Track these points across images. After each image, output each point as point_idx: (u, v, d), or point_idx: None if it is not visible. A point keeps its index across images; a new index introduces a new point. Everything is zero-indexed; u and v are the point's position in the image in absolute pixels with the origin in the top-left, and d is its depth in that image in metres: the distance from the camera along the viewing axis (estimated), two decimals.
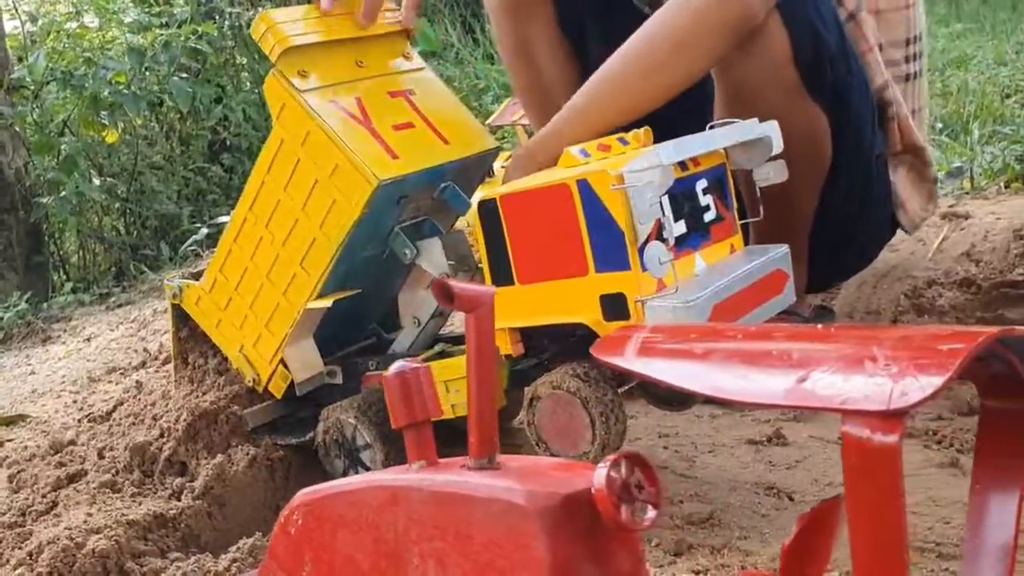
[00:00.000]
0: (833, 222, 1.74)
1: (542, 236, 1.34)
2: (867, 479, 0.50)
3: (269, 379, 1.63)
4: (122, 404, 2.00)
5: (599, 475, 0.65)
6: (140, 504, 1.55)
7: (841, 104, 1.65)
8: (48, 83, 4.02)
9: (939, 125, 3.31)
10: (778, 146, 1.42)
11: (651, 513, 0.68)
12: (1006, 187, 2.60)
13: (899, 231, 1.96)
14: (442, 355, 1.58)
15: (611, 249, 1.28)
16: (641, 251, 1.26)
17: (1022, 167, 2.65)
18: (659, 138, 1.46)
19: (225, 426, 1.62)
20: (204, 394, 1.66)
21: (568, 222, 1.30)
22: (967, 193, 2.63)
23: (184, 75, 4.12)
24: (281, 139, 1.52)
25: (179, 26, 4.08)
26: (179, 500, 1.55)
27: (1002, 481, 0.57)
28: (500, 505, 0.67)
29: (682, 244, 1.35)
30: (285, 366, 1.62)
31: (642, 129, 1.44)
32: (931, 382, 0.49)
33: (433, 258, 1.58)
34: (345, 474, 1.56)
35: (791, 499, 1.46)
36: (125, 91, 3.81)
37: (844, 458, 0.50)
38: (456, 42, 5.63)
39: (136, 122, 4.31)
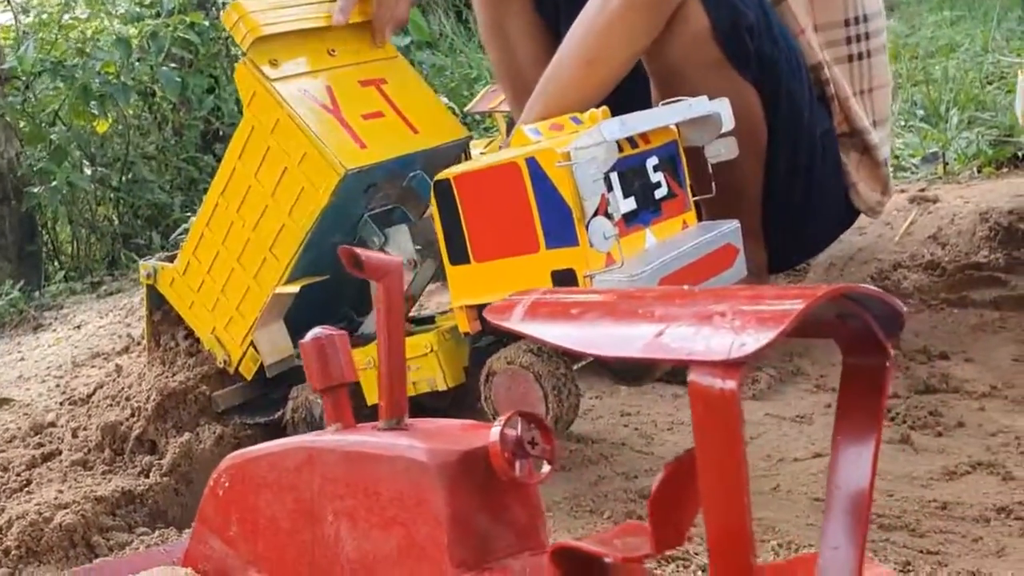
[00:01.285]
0: (784, 198, 1.78)
1: (495, 214, 1.37)
2: (710, 424, 0.53)
3: (240, 361, 1.67)
4: (102, 387, 2.04)
5: (494, 432, 0.69)
6: (109, 481, 1.59)
7: (770, 76, 1.69)
8: (39, 74, 4.05)
9: (919, 112, 3.34)
10: (728, 123, 1.45)
11: (546, 469, 0.72)
12: (979, 172, 2.63)
13: (867, 216, 1.99)
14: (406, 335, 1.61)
15: (560, 225, 1.31)
16: (588, 226, 1.30)
17: (994, 152, 2.68)
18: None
19: (194, 405, 1.66)
20: (174, 375, 1.69)
21: (519, 200, 1.33)
22: (940, 178, 2.66)
23: (174, 65, 4.15)
24: (252, 126, 1.55)
25: (169, 15, 4.11)
26: (147, 477, 1.59)
27: (859, 434, 0.61)
28: (403, 462, 0.71)
29: (632, 220, 1.38)
30: (256, 348, 1.65)
31: (600, 108, 1.47)
32: (767, 334, 0.52)
33: (400, 244, 1.61)
34: None
35: None
36: (115, 81, 3.84)
37: (691, 406, 0.54)
38: (449, 32, 5.66)
39: (127, 112, 4.34)
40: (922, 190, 2.51)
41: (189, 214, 4.15)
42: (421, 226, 1.65)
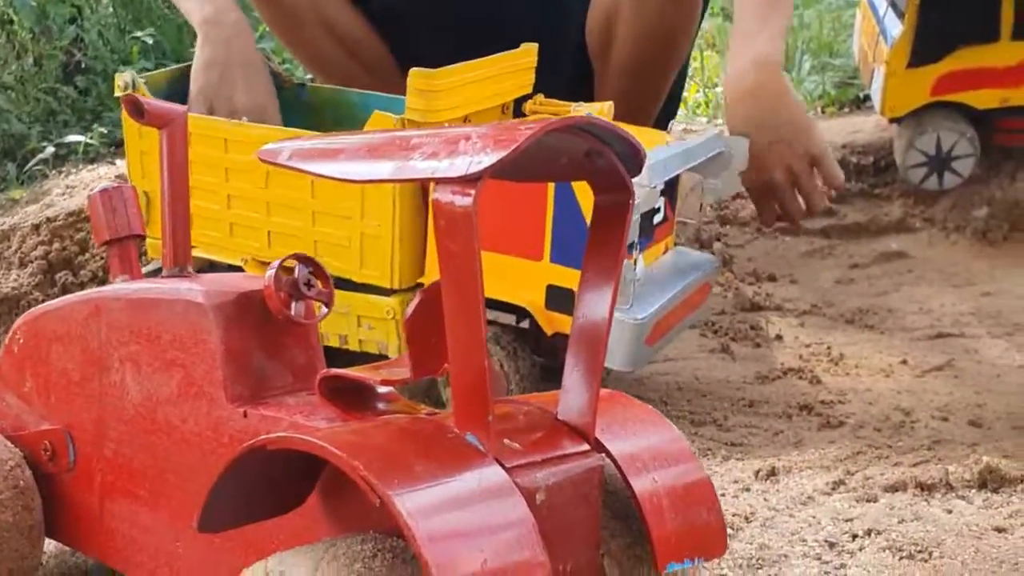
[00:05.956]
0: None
1: (504, 206, 1.26)
2: (449, 236, 0.56)
3: None
4: None
5: (269, 275, 0.71)
6: None
7: None
8: None
9: None
10: (742, 163, 1.43)
11: (324, 311, 0.74)
12: (822, 112, 2.73)
13: None
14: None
15: (573, 246, 1.25)
16: None
17: (838, 93, 2.78)
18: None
19: (27, 310, 1.64)
20: (8, 280, 1.68)
21: (536, 206, 1.25)
22: None
23: None
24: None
25: None
26: None
27: (603, 268, 0.65)
28: (181, 305, 0.73)
29: (630, 248, 1.28)
30: None
31: (605, 104, 1.37)
32: (499, 153, 0.55)
33: None
34: None
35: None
36: None
37: (434, 222, 0.57)
38: None
39: None
40: None
41: (46, 144, 4.05)
42: None
